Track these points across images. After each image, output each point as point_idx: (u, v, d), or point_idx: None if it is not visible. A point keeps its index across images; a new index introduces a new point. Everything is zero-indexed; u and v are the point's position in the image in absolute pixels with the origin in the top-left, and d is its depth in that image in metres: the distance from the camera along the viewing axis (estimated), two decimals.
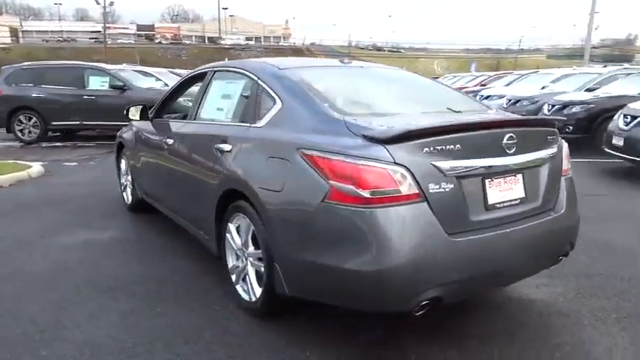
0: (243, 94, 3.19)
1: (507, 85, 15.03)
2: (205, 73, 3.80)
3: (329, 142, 2.35)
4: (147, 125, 4.43)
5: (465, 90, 15.36)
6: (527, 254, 2.50)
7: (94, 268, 3.63)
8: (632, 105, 7.17)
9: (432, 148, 2.21)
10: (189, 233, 3.71)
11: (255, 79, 3.08)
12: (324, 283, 2.36)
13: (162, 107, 4.42)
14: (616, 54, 68.52)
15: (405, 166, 2.16)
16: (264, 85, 2.98)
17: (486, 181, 2.38)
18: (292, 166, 2.43)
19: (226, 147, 2.98)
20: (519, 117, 2.84)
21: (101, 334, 2.70)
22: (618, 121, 7.08)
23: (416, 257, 2.14)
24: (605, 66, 18.67)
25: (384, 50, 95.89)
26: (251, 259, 2.84)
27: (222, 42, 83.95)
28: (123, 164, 5.18)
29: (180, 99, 4.64)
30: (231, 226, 2.99)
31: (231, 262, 3.07)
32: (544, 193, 2.61)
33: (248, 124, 2.96)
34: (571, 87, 11.06)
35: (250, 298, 2.87)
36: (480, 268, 2.31)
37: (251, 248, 2.83)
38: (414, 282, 2.16)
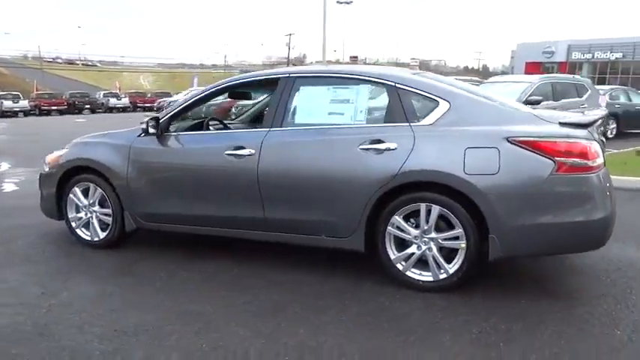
0: (376, 98, 3.44)
1: None
2: (275, 80, 3.74)
3: (540, 130, 3.04)
4: (166, 141, 3.92)
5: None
6: None
7: None
8: None
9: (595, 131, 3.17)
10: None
11: (393, 84, 3.39)
12: (544, 239, 3.03)
13: (172, 120, 4.02)
14: None
15: (598, 143, 3.06)
16: (413, 90, 3.34)
17: None
18: (505, 151, 3.00)
19: (386, 146, 3.22)
20: None
21: None
22: None
23: (613, 205, 3.07)
24: None
25: (78, 64, 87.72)
26: (440, 240, 3.20)
27: None
28: (78, 195, 4.25)
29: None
30: (399, 219, 3.25)
31: (394, 253, 3.32)
32: None
33: (408, 124, 3.27)
34: None
35: (437, 278, 3.23)
36: None
37: (433, 233, 3.20)
38: (613, 223, 3.09)
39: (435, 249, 3.23)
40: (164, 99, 32.22)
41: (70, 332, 2.82)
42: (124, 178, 4.05)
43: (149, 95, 42.70)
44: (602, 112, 3.89)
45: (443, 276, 3.23)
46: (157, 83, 64.51)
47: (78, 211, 4.35)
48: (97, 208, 4.26)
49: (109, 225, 4.23)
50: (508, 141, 3.02)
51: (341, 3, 43.18)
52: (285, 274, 3.64)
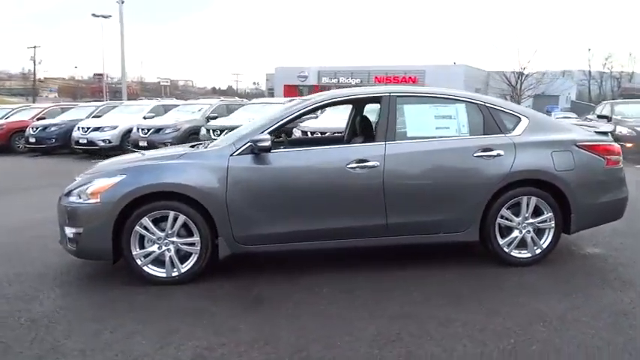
0: (471, 114, 4.18)
1: (95, 116, 15.07)
2: (377, 98, 4.15)
3: (589, 137, 4.27)
4: (274, 158, 3.87)
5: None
6: None
7: None
8: None
9: None
10: None
11: (483, 103, 4.21)
12: (600, 214, 4.26)
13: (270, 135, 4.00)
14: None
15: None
16: (497, 108, 4.21)
17: None
18: (576, 153, 4.14)
19: (496, 152, 4.02)
20: None
21: None
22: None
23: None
24: None
25: None
26: (536, 224, 4.12)
27: None
28: (150, 227, 3.76)
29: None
30: (506, 211, 4.08)
31: (501, 239, 4.11)
32: None
33: (503, 134, 4.13)
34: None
35: (534, 253, 4.15)
36: None
37: (531, 219, 4.12)
38: None
39: (532, 231, 4.15)
40: None
41: None
42: (221, 201, 3.78)
43: None
44: (609, 127, 5.44)
45: (538, 251, 4.17)
46: None
47: (144, 246, 3.80)
48: (175, 238, 3.81)
49: (190, 256, 3.84)
50: (576, 145, 4.17)
51: (97, 16, 40.03)
52: (405, 269, 4.05)
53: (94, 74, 73.50)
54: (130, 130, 13.38)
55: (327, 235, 3.95)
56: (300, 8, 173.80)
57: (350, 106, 5.56)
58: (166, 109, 15.02)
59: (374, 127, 4.15)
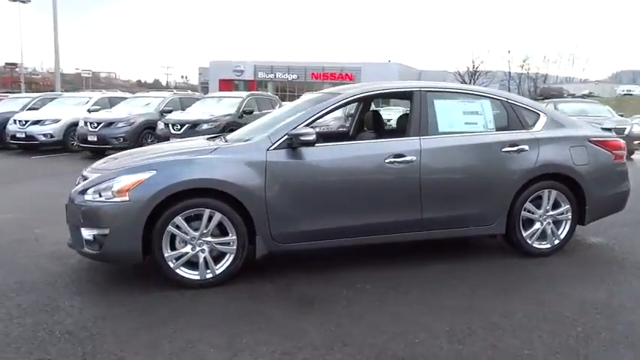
0: (495, 110, 4.26)
1: (31, 108, 13.91)
2: (408, 93, 4.13)
3: (599, 133, 4.51)
4: (313, 153, 3.74)
5: None
6: None
7: None
8: None
9: None
10: None
11: (505, 99, 4.32)
12: (609, 205, 4.50)
13: None
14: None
15: None
16: (519, 105, 4.34)
17: None
18: (589, 148, 4.35)
19: (522, 147, 4.14)
20: None
21: None
22: None
23: None
24: None
25: None
26: (555, 216, 4.30)
27: None
28: (183, 226, 3.51)
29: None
30: (530, 204, 4.22)
31: (525, 231, 4.24)
32: None
33: (526, 130, 4.25)
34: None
35: (553, 244, 4.32)
36: None
37: (551, 211, 4.29)
38: None
39: (551, 223, 4.32)
40: None
41: None
42: (260, 197, 3.60)
43: None
44: (613, 123, 5.70)
45: (556, 242, 4.35)
46: None
47: (175, 247, 3.55)
48: (210, 238, 3.59)
49: (223, 256, 3.64)
50: (589, 141, 4.39)
51: (14, 0, 36.99)
52: (437, 262, 4.08)
53: (6, 63, 67.71)
54: (74, 124, 12.46)
55: (364, 231, 3.89)
56: (234, 1, 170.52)
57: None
58: (112, 102, 14.14)
59: (407, 122, 4.11)
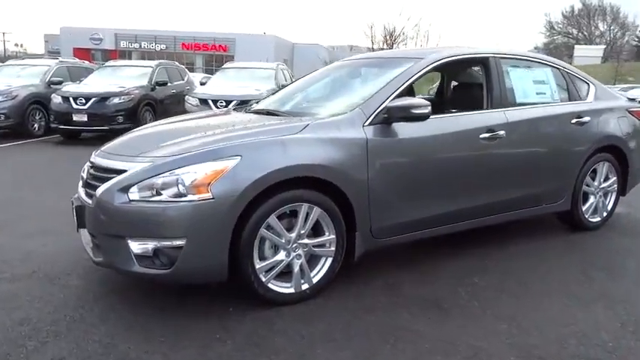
0: (555, 81, 4.03)
1: None
2: (483, 60, 3.68)
3: (631, 102, 4.54)
4: (419, 128, 3.13)
5: None
6: None
7: None
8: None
9: None
10: None
11: (562, 68, 4.10)
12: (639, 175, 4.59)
13: None
14: None
15: None
16: (573, 74, 4.16)
17: None
18: (628, 119, 4.37)
19: (586, 119, 3.98)
20: None
21: None
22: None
23: None
24: None
25: None
26: (606, 188, 4.25)
27: None
28: (277, 227, 2.72)
29: None
30: (588, 178, 4.10)
31: (583, 206, 4.14)
32: None
33: (582, 101, 4.10)
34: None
35: (602, 217, 4.29)
36: None
37: (603, 184, 4.23)
38: None
39: (603, 197, 4.27)
40: None
41: None
42: (363, 185, 2.93)
43: None
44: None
45: (604, 214, 4.32)
46: None
47: (265, 256, 2.75)
48: (306, 240, 2.84)
49: (317, 261, 2.93)
50: (628, 112, 4.39)
51: None
52: (498, 247, 3.78)
53: None
54: None
55: (459, 217, 3.43)
56: None
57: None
58: None
59: (483, 92, 3.65)
